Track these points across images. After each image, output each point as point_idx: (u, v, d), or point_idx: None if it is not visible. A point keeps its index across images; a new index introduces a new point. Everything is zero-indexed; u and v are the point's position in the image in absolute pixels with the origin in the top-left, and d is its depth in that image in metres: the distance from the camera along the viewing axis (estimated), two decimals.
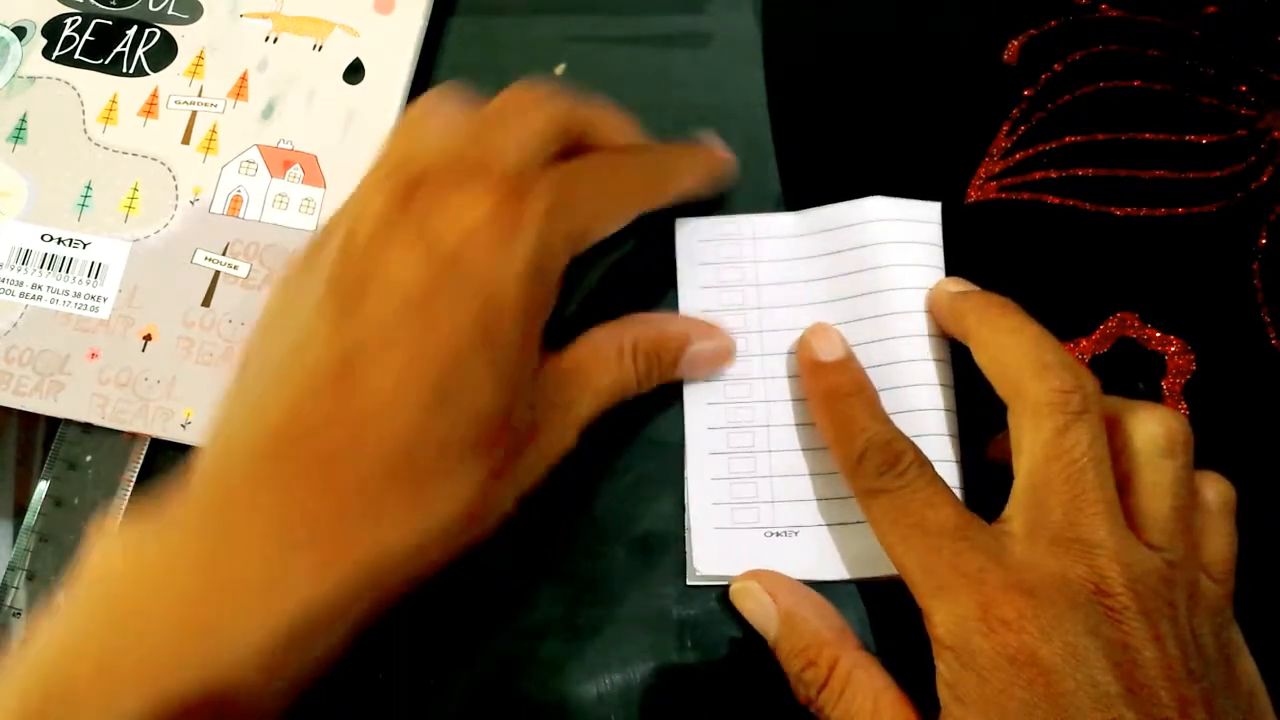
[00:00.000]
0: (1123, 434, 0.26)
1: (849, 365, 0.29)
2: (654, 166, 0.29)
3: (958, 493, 0.28)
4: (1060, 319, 0.32)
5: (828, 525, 0.29)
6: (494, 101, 0.26)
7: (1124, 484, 0.25)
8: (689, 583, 0.29)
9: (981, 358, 0.27)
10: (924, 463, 0.26)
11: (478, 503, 0.23)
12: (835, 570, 0.29)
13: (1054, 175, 0.34)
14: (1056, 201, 0.33)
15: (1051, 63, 0.35)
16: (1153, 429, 0.25)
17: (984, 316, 0.27)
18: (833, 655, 0.26)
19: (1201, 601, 0.24)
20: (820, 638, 0.26)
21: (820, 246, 0.31)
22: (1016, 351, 0.26)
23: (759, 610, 0.28)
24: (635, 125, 0.29)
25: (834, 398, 0.28)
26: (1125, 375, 0.31)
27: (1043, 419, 0.25)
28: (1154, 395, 0.31)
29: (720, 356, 0.30)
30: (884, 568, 0.27)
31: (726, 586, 0.29)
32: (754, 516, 0.29)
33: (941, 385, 0.29)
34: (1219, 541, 0.25)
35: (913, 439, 0.28)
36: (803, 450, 0.30)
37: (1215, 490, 0.26)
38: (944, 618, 0.23)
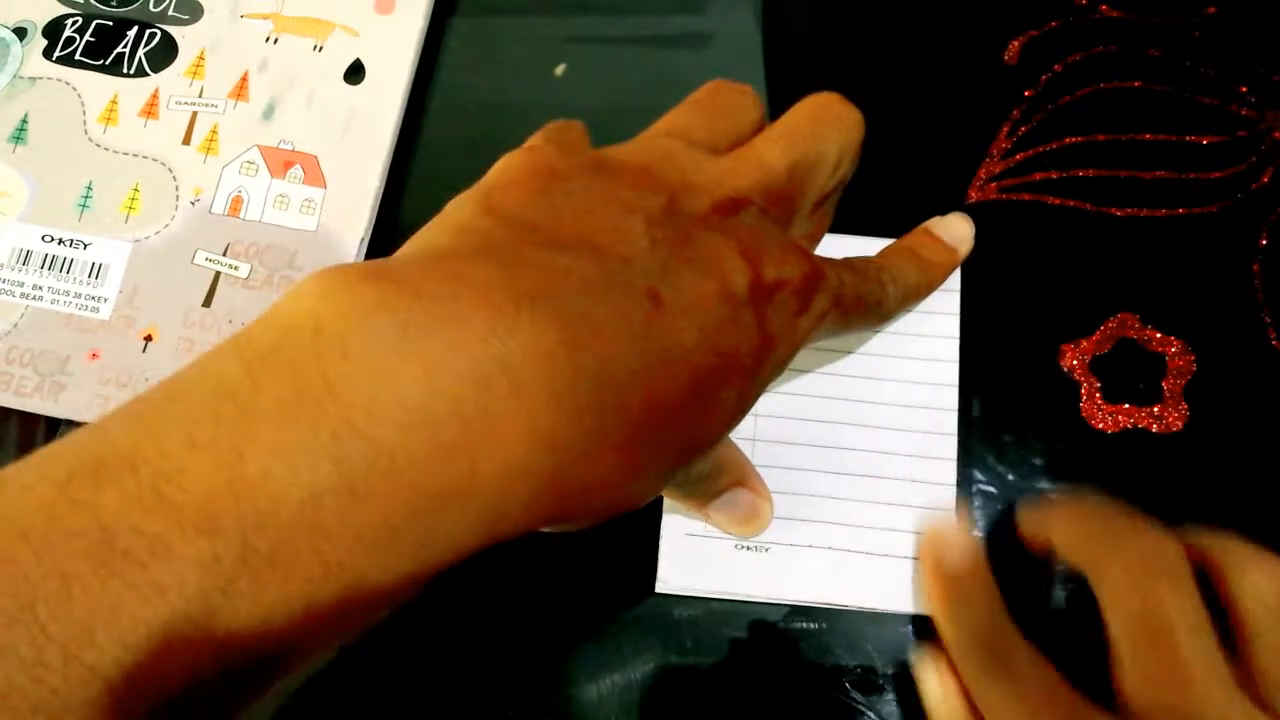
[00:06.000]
0: (1230, 587, 0.24)
1: (974, 561, 0.27)
2: (915, 282, 0.29)
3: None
4: (1061, 319, 0.32)
5: (799, 546, 0.29)
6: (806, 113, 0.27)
7: (1238, 634, 0.24)
8: (657, 590, 0.29)
9: (1059, 539, 0.27)
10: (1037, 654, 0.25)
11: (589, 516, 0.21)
12: (801, 593, 0.29)
13: (1054, 176, 0.34)
14: (1057, 202, 0.33)
15: (1051, 63, 0.35)
16: (1263, 588, 0.24)
17: (1062, 514, 0.27)
18: None
19: None
20: None
21: None
22: (1090, 525, 0.26)
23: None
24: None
25: (958, 595, 0.27)
26: (1126, 376, 0.31)
27: (1127, 590, 0.24)
28: (1154, 396, 0.31)
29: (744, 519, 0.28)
30: (848, 597, 0.27)
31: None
32: None
33: (941, 460, 0.30)
34: None
35: (902, 506, 0.28)
36: (784, 468, 0.30)
37: None
38: None
